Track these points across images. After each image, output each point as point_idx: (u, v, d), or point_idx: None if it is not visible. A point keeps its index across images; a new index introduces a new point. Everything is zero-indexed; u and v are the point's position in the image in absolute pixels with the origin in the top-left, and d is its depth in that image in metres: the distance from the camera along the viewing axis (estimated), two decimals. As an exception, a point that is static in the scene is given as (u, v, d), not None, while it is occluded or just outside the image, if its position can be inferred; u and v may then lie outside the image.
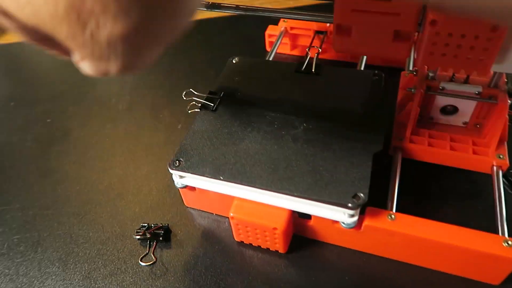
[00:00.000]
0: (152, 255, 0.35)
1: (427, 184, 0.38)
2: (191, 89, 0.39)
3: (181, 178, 0.34)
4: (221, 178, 0.31)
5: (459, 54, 0.27)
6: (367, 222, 0.31)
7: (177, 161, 0.33)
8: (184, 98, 0.38)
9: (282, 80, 0.39)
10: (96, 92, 0.53)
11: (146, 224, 0.37)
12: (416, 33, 0.30)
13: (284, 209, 0.32)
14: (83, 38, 0.14)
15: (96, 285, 0.34)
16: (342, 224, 0.31)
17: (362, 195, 0.29)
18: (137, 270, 0.34)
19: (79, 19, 0.14)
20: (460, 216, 0.35)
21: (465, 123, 0.37)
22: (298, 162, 0.32)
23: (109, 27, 0.14)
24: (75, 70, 0.61)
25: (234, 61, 0.42)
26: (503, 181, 0.34)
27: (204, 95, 0.38)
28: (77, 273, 0.35)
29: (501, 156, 0.34)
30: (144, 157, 0.44)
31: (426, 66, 0.35)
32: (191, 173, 0.32)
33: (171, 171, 0.33)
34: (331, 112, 0.35)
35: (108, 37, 0.14)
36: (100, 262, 0.35)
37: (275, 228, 0.31)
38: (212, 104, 0.37)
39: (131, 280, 0.34)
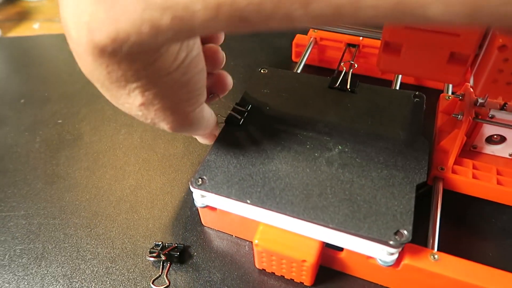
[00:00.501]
0: (165, 278, 0.32)
1: (469, 219, 0.35)
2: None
3: (203, 197, 0.31)
4: (248, 201, 0.28)
5: (526, 84, 0.24)
6: (407, 261, 0.28)
7: (200, 179, 0.30)
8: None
9: (315, 96, 0.36)
10: None
11: (160, 243, 0.34)
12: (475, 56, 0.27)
13: (315, 240, 0.29)
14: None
15: (103, 308, 0.31)
16: (379, 261, 0.28)
17: (405, 232, 0.26)
18: (148, 293, 0.32)
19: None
20: (505, 256, 0.32)
21: (511, 155, 0.34)
22: (333, 189, 0.29)
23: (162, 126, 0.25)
24: None
25: (262, 71, 0.39)
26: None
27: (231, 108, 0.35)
28: (83, 293, 0.32)
29: (554, 195, 0.31)
30: (159, 167, 0.41)
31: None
32: (215, 193, 0.29)
33: (192, 189, 0.30)
34: (368, 134, 0.33)
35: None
36: (108, 282, 0.32)
37: (304, 261, 0.28)
38: (239, 117, 0.34)
39: (142, 305, 0.31)
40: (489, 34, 0.26)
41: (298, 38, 0.50)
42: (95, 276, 0.33)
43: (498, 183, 0.32)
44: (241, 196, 0.29)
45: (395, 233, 0.26)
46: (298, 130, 0.33)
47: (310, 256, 0.28)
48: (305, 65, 0.50)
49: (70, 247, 0.35)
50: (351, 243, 0.28)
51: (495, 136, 0.34)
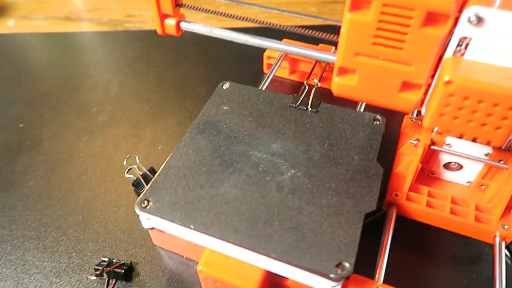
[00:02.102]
0: (109, 297, 0.32)
1: (421, 245, 0.34)
2: (136, 156, 0.38)
3: (149, 220, 0.30)
4: (192, 227, 0.28)
5: (474, 120, 0.24)
6: (350, 293, 0.27)
7: (146, 201, 0.29)
8: (124, 164, 0.36)
9: (275, 115, 0.36)
10: (77, 99, 0.49)
11: (107, 259, 0.33)
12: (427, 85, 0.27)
13: (259, 268, 0.28)
14: None
15: (42, 329, 0.30)
16: (323, 292, 0.27)
17: (347, 264, 0.26)
18: (90, 313, 0.31)
19: None
20: (456, 284, 0.32)
21: (469, 182, 0.34)
22: (280, 216, 0.28)
23: None
24: (59, 71, 0.57)
25: (224, 87, 0.38)
26: (505, 254, 0.31)
27: (144, 170, 0.36)
28: (23, 311, 0.31)
29: (506, 227, 0.30)
30: (116, 179, 0.40)
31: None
32: (160, 217, 0.28)
33: (137, 212, 0.29)
34: (323, 158, 0.32)
35: None
36: None
37: (246, 289, 0.28)
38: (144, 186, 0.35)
39: (82, 325, 0.30)
40: (440, 65, 0.25)
41: (270, 49, 0.49)
42: None
43: (452, 212, 0.31)
44: (185, 221, 0.28)
45: (337, 266, 0.26)
46: (252, 151, 0.32)
47: (253, 285, 0.27)
48: (275, 78, 0.50)
49: (16, 259, 0.34)
50: (294, 274, 0.27)
51: (453, 163, 0.33)
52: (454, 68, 0.23)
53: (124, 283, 0.33)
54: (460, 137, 0.31)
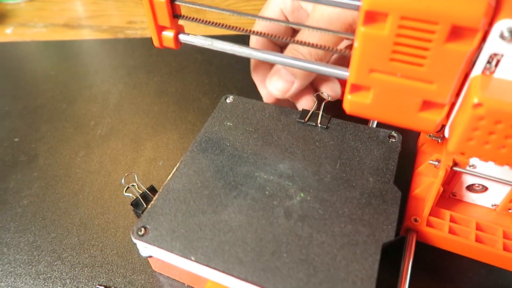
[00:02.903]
0: (104, 330, 0.30)
1: (443, 273, 0.32)
2: (135, 174, 0.36)
3: (146, 248, 0.28)
4: (193, 258, 0.25)
5: (507, 146, 0.21)
6: (367, 332, 0.25)
7: (143, 228, 0.27)
8: (122, 182, 0.35)
9: (282, 132, 0.33)
10: (74, 111, 0.47)
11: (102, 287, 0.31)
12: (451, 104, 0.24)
13: (266, 304, 0.26)
14: None
15: None
16: (336, 331, 0.25)
17: (364, 304, 0.23)
18: None
19: None
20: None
21: (495, 205, 0.31)
22: (289, 246, 0.26)
23: None
24: (57, 82, 0.55)
25: (228, 101, 0.36)
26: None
27: (143, 188, 0.34)
28: None
29: (537, 257, 0.28)
30: (114, 198, 0.38)
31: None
32: (158, 246, 0.26)
33: (134, 240, 0.27)
34: (335, 180, 0.29)
35: None
36: None
37: (252, 328, 0.25)
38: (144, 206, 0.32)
39: None
40: (466, 83, 0.22)
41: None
42: None
43: (477, 240, 0.29)
44: (185, 252, 0.26)
45: (353, 305, 0.23)
46: (258, 172, 0.30)
47: (259, 323, 0.25)
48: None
49: (6, 287, 0.32)
50: (305, 312, 0.25)
51: (477, 185, 0.30)
52: (483, 89, 0.21)
53: (121, 314, 0.30)
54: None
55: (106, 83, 0.51)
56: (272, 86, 0.34)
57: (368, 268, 0.25)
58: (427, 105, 0.24)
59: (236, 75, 0.52)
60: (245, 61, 0.53)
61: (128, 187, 0.35)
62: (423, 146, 0.34)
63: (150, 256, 0.29)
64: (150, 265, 0.32)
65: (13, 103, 0.49)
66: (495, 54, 0.21)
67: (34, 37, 0.61)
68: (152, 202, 0.28)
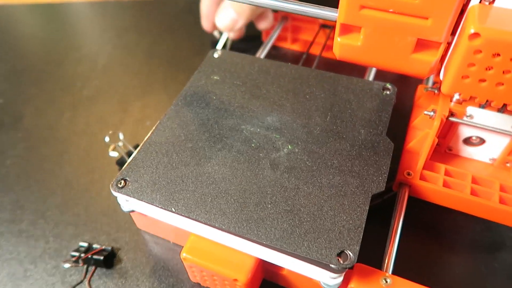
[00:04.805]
0: (87, 285, 0.29)
1: (435, 230, 0.31)
2: (120, 132, 0.34)
3: (127, 202, 0.27)
4: (173, 210, 0.24)
5: (505, 82, 0.20)
6: (354, 284, 0.24)
7: (123, 181, 0.26)
8: (106, 140, 0.33)
9: (271, 85, 0.32)
10: (61, 72, 0.46)
11: (85, 244, 0.30)
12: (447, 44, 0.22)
13: (250, 256, 0.25)
14: None
15: (14, 317, 0.28)
16: (322, 284, 0.24)
17: (350, 254, 0.22)
18: (66, 303, 0.28)
19: None
20: (473, 274, 0.28)
21: (492, 159, 0.30)
22: (274, 197, 0.25)
23: None
24: (44, 44, 0.53)
25: (215, 55, 0.34)
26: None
27: (129, 147, 0.34)
28: (-5, 298, 0.28)
29: (535, 210, 0.26)
30: (100, 158, 0.37)
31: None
32: (138, 198, 0.25)
33: (113, 193, 0.26)
34: (324, 132, 0.28)
35: None
36: (23, 286, 0.29)
37: (235, 280, 0.24)
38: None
39: (57, 316, 0.28)
40: (462, 19, 0.21)
41: (269, 15, 0.45)
42: (10, 278, 0.29)
43: (472, 193, 0.27)
44: (166, 204, 0.25)
45: (339, 254, 0.22)
46: (245, 125, 0.29)
47: (243, 275, 0.24)
48: (276, 48, 0.46)
49: None
50: (290, 263, 0.24)
51: (474, 138, 0.29)
52: (481, 18, 0.19)
53: (105, 270, 0.30)
54: (485, 105, 0.27)
55: (95, 44, 0.50)
56: (220, 23, 0.41)
57: (356, 219, 0.23)
58: (421, 45, 0.23)
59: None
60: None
61: (114, 147, 0.34)
62: (419, 100, 0.32)
63: (133, 211, 0.28)
64: (134, 223, 0.31)
65: (-1, 65, 0.47)
66: (495, -19, 0.19)
67: (21, 0, 0.59)
68: (132, 155, 0.27)
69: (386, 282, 0.24)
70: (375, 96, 0.30)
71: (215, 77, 0.32)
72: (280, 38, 0.45)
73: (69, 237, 0.31)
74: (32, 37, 0.51)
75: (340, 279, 0.23)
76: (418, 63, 0.23)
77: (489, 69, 0.19)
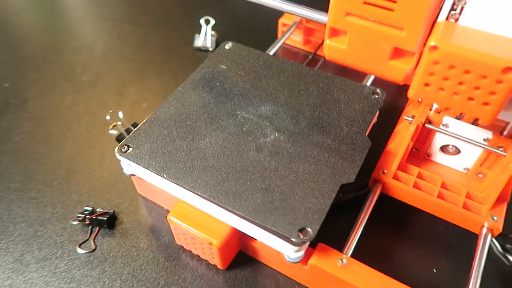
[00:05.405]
0: (92, 242, 0.33)
1: (400, 226, 0.33)
2: (119, 111, 0.38)
3: (129, 166, 0.30)
4: (165, 175, 0.28)
5: (460, 93, 0.22)
6: (313, 260, 0.26)
7: (126, 146, 0.30)
8: (107, 118, 0.37)
9: (271, 79, 0.35)
10: (62, 60, 0.50)
11: (90, 208, 0.34)
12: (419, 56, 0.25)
13: (226, 225, 0.28)
14: None
15: (27, 270, 0.31)
16: (286, 256, 0.27)
17: (310, 230, 0.25)
18: (73, 257, 0.32)
19: None
20: (426, 271, 0.30)
21: (466, 169, 0.31)
22: (254, 176, 0.28)
23: None
24: (45, 33, 0.57)
25: (226, 47, 0.38)
26: (492, 244, 0.29)
27: (127, 125, 0.37)
28: (9, 254, 0.32)
29: (495, 218, 0.28)
30: (100, 135, 0.41)
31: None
32: (136, 163, 0.29)
33: (117, 156, 0.30)
34: (310, 125, 0.31)
35: None
36: (35, 245, 0.33)
37: (210, 243, 0.28)
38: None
39: (65, 267, 0.31)
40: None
41: (286, 17, 0.48)
42: (22, 238, 0.33)
43: (439, 196, 0.29)
44: (159, 170, 0.28)
45: (300, 230, 0.25)
46: (240, 111, 0.32)
47: (218, 240, 0.27)
48: (287, 47, 0.48)
49: (1, 210, 0.35)
50: (259, 234, 0.27)
51: (450, 147, 0.31)
52: (443, 34, 0.22)
53: (108, 230, 0.33)
54: (460, 117, 0.29)
55: (92, 34, 0.53)
56: None
57: (322, 203, 0.26)
58: (397, 53, 0.25)
59: (217, 28, 0.52)
60: (232, 14, 0.54)
61: (114, 125, 0.38)
62: (408, 106, 0.35)
63: (133, 175, 0.32)
64: (135, 188, 0.35)
65: (3, 53, 0.51)
66: (459, 1, 0.21)
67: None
68: (138, 126, 0.31)
69: (342, 262, 0.26)
70: (363, 99, 0.33)
71: (222, 66, 0.36)
72: (293, 39, 0.48)
73: (74, 203, 0.35)
74: (34, 27, 0.56)
75: (301, 253, 0.26)
76: (394, 70, 0.26)
77: (446, 79, 0.22)
